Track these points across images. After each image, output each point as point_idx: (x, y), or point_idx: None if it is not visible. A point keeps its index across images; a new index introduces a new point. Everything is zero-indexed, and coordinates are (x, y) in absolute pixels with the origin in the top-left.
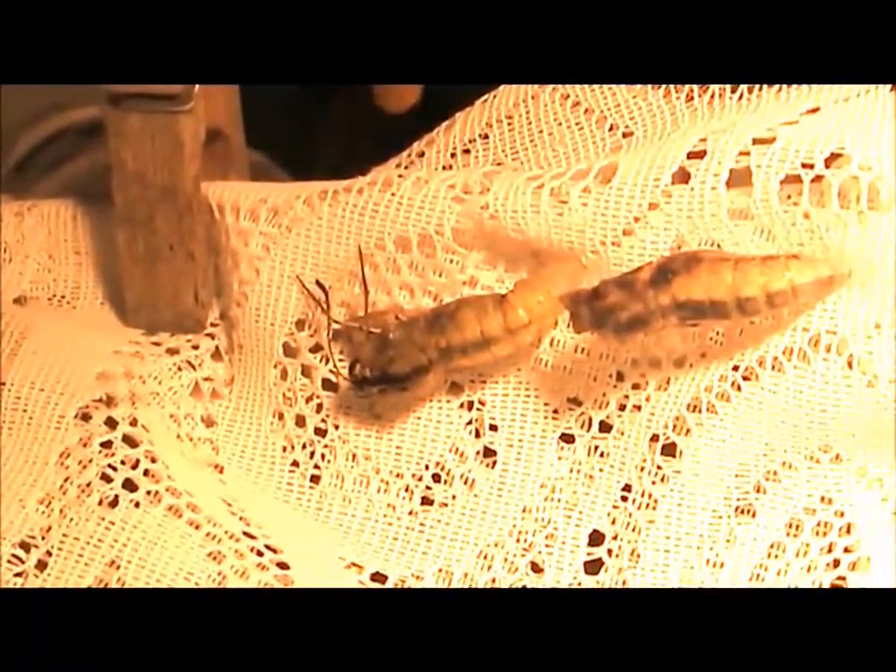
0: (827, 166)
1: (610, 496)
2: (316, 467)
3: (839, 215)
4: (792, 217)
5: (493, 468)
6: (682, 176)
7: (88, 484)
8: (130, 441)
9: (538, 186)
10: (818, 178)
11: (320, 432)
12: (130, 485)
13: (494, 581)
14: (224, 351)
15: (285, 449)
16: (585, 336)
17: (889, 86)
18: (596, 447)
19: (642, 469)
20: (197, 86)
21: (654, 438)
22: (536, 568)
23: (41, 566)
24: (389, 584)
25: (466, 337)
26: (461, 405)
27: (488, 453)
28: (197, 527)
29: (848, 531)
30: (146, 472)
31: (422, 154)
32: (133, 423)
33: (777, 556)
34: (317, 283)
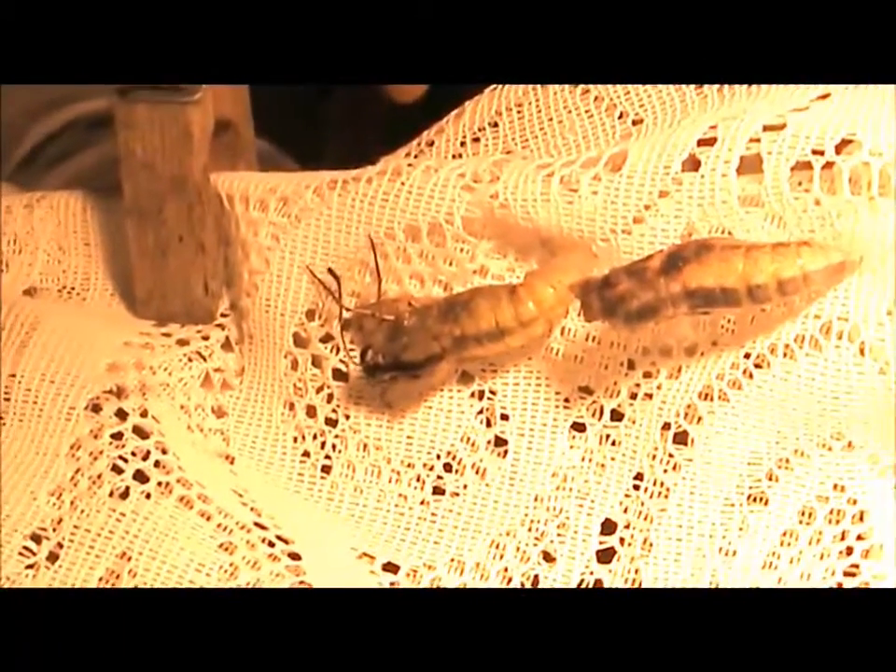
0: (838, 153)
1: (622, 484)
2: (327, 457)
3: (850, 201)
4: (803, 203)
5: (504, 457)
6: (693, 164)
7: (99, 476)
8: (140, 432)
9: (548, 174)
10: (828, 165)
11: (331, 422)
12: (141, 477)
13: (506, 570)
14: (234, 341)
15: (295, 439)
16: (596, 325)
17: None
18: (608, 436)
19: (654, 457)
20: None
21: (666, 426)
22: (548, 558)
23: (52, 557)
24: (401, 574)
25: (480, 327)
26: (472, 394)
27: (499, 442)
28: (208, 518)
29: (861, 519)
30: (156, 463)
31: (431, 143)
32: (144, 414)
33: (789, 544)
34: (329, 271)
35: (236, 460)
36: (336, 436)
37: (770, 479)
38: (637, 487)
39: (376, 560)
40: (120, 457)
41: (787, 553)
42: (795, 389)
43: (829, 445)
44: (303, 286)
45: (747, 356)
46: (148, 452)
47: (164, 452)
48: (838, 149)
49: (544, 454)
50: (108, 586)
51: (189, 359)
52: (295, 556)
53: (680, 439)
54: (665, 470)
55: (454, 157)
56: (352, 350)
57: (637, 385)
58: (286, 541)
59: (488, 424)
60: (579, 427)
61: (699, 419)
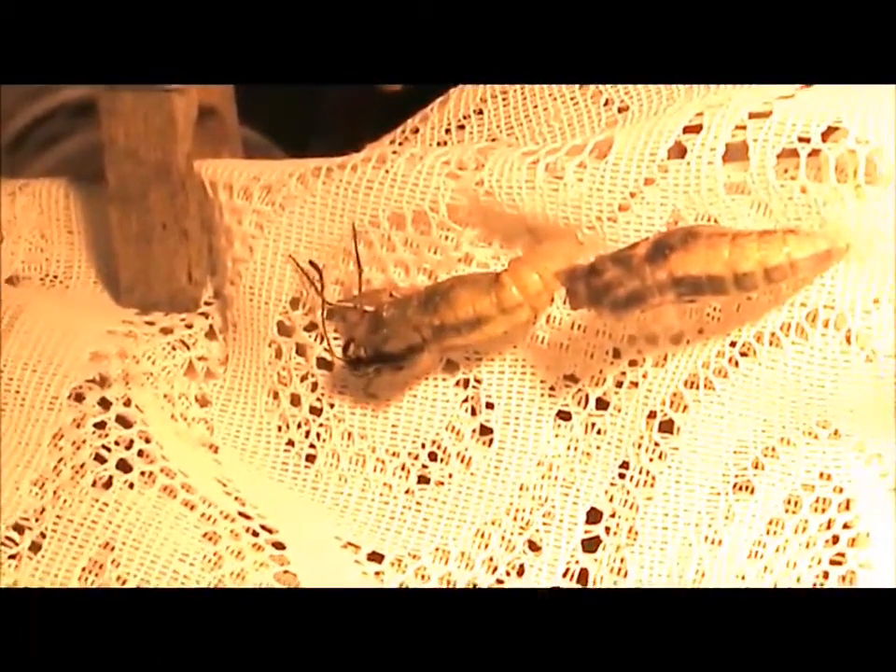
0: (824, 140)
1: (608, 473)
2: (312, 446)
3: (836, 189)
4: (789, 191)
5: (489, 446)
6: (679, 151)
7: (81, 465)
8: (123, 421)
9: (533, 161)
10: (815, 152)
11: (315, 411)
12: (124, 466)
13: (491, 559)
14: (218, 330)
15: (280, 428)
16: (582, 313)
17: None
18: (593, 424)
19: (640, 446)
20: None
21: (652, 415)
22: (533, 547)
23: (35, 548)
24: (386, 563)
25: (459, 316)
26: (457, 383)
27: (485, 431)
28: (192, 508)
29: (847, 507)
30: (140, 453)
31: (416, 130)
32: (127, 403)
33: (775, 533)
34: (311, 263)
35: (220, 449)
36: (320, 425)
37: (756, 467)
38: (622, 476)
39: (361, 549)
40: (103, 447)
41: (773, 542)
42: (781, 377)
43: (815, 433)
44: (287, 274)
45: (733, 344)
46: (132, 441)
47: (147, 441)
48: (824, 137)
49: (529, 442)
50: (91, 576)
51: (173, 348)
52: (279, 545)
53: (666, 427)
54: (651, 459)
55: (438, 144)
56: (336, 340)
57: (623, 373)
58: (270, 530)
59: (473, 412)
60: (564, 416)
61: (685, 407)
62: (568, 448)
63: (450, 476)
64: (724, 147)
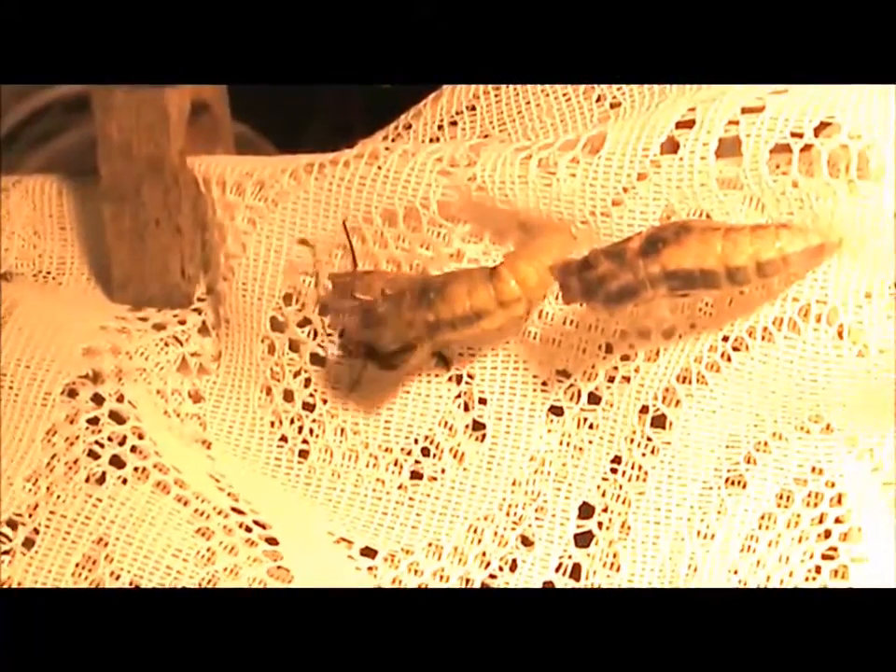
0: (816, 135)
1: (600, 468)
2: (305, 442)
3: (829, 183)
4: (782, 186)
5: (482, 441)
6: (671, 146)
7: (75, 461)
8: (117, 417)
9: (525, 157)
10: (807, 147)
11: (308, 407)
12: (117, 462)
13: (484, 554)
14: (211, 326)
15: (273, 424)
16: (574, 307)
17: None
18: (586, 419)
19: (632, 440)
20: None
21: (644, 409)
22: (526, 542)
23: (28, 543)
24: (379, 559)
25: (455, 311)
26: (450, 379)
27: (477, 426)
28: (185, 504)
29: (839, 501)
30: (133, 449)
31: (409, 126)
32: (120, 399)
33: (768, 527)
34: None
35: (213, 445)
36: (313, 420)
37: (748, 462)
38: (614, 471)
39: (354, 544)
40: (97, 442)
41: (765, 536)
42: (773, 372)
43: (807, 428)
44: (280, 270)
45: (725, 338)
46: (125, 437)
47: (141, 437)
48: (817, 132)
49: (522, 437)
50: (85, 572)
51: (166, 344)
52: (272, 541)
53: (658, 422)
54: (643, 454)
55: (431, 140)
56: (330, 336)
57: (615, 368)
58: (263, 526)
59: (466, 408)
60: (556, 411)
61: (677, 402)
62: (561, 443)
63: (443, 471)
64: (717, 142)
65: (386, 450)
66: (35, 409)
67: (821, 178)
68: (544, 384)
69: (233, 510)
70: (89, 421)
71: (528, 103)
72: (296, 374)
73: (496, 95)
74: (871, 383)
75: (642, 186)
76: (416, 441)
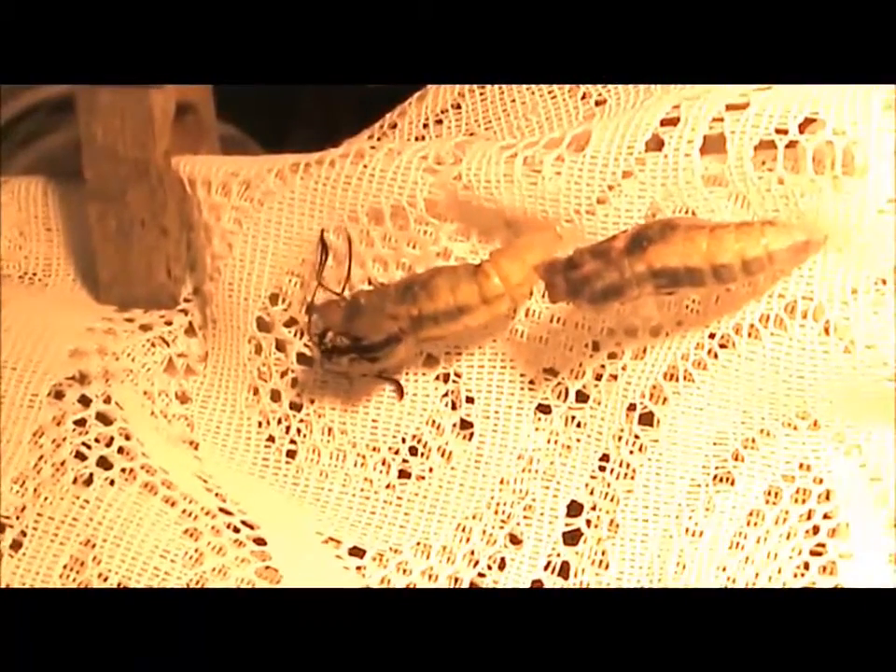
0: (801, 131)
1: (588, 466)
2: (292, 441)
3: (814, 180)
4: (767, 183)
5: (470, 440)
6: (656, 144)
7: (62, 463)
8: (104, 418)
9: (511, 155)
10: (792, 144)
11: (295, 407)
12: (104, 463)
13: (472, 553)
14: (198, 326)
15: (260, 424)
16: (561, 306)
17: None
18: (573, 417)
19: (620, 438)
20: None
21: (631, 407)
22: (514, 540)
23: (16, 545)
24: (367, 558)
25: (438, 306)
26: (437, 377)
27: (465, 425)
28: (173, 504)
29: (827, 498)
30: (120, 450)
31: (394, 125)
32: (107, 400)
33: (756, 524)
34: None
35: (200, 446)
36: (301, 420)
37: (736, 459)
38: (602, 468)
39: (342, 544)
40: (84, 444)
41: (753, 533)
42: (760, 369)
43: (794, 424)
44: (266, 270)
45: (711, 336)
46: (112, 438)
47: (128, 438)
48: (802, 128)
49: (510, 436)
50: (73, 573)
51: (153, 345)
52: (260, 541)
53: (646, 419)
54: (631, 451)
55: (416, 139)
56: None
57: (602, 366)
58: (251, 526)
59: (453, 407)
60: (544, 409)
61: (664, 400)
62: (549, 441)
63: (431, 470)
64: (702, 139)
65: (374, 449)
66: (21, 410)
67: (806, 175)
68: (532, 382)
69: (221, 510)
70: (76, 422)
71: (513, 101)
72: (283, 374)
73: (481, 94)
74: (857, 379)
75: (627, 184)
76: (404, 441)
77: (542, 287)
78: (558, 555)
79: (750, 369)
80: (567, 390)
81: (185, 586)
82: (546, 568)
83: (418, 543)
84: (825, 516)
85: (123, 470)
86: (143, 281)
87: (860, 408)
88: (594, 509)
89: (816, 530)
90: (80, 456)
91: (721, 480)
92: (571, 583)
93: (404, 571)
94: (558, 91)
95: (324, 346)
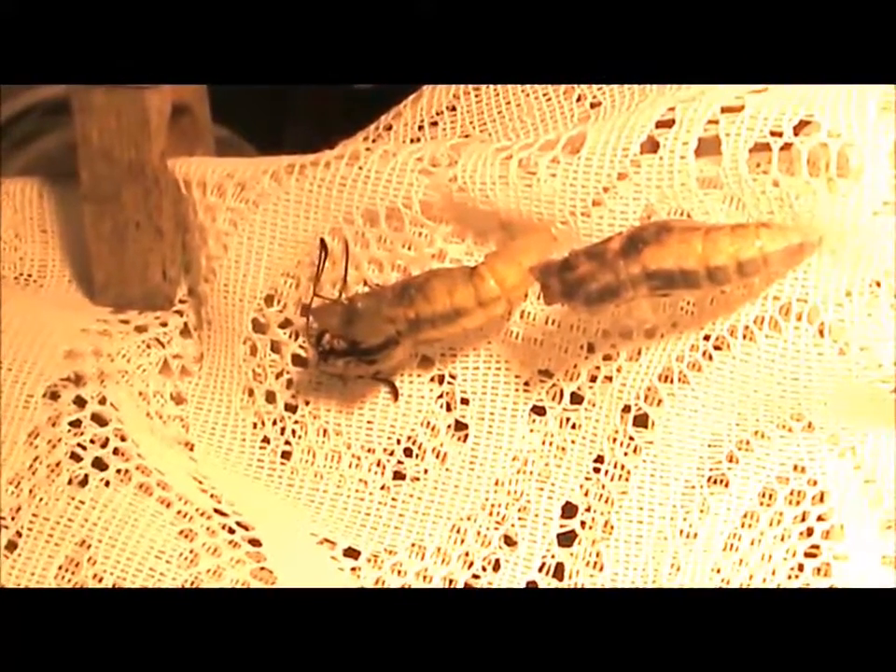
0: (796, 134)
1: (583, 467)
2: (287, 443)
3: (809, 182)
4: (762, 185)
5: (465, 441)
6: (651, 146)
7: (57, 464)
8: (99, 419)
9: (506, 157)
10: (787, 146)
11: (290, 408)
12: (99, 464)
13: (467, 554)
14: (193, 328)
15: (255, 425)
16: (556, 308)
17: None
18: (568, 419)
19: (614, 440)
20: None
21: (626, 409)
22: (509, 541)
23: (11, 546)
24: (362, 560)
25: (435, 309)
26: (432, 379)
27: (460, 426)
28: (168, 505)
29: (822, 499)
30: (115, 451)
31: (389, 127)
32: (102, 401)
33: (750, 526)
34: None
35: (196, 447)
36: (296, 422)
37: (730, 460)
38: (597, 470)
39: (337, 545)
40: (79, 445)
41: (748, 535)
42: (755, 371)
43: (789, 426)
44: (262, 271)
45: (706, 337)
46: (107, 439)
47: (123, 439)
48: (796, 131)
49: (504, 437)
50: (68, 574)
51: (148, 346)
52: (255, 542)
53: (640, 421)
54: (626, 453)
55: (412, 141)
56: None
57: (597, 367)
58: (246, 528)
59: (448, 408)
60: (539, 411)
61: (659, 401)
62: (543, 443)
63: (425, 472)
64: (697, 141)
65: (369, 451)
66: (17, 411)
67: (801, 177)
68: (526, 384)
69: (216, 511)
70: (71, 423)
71: (509, 103)
72: (278, 376)
73: (476, 95)
74: (852, 381)
75: (622, 186)
76: (399, 442)
77: (537, 288)
78: (553, 557)
79: (745, 370)
80: (561, 392)
81: (180, 587)
82: (541, 570)
83: (413, 544)
84: (819, 518)
85: (118, 471)
86: (138, 282)
87: (854, 410)
88: (588, 510)
89: (810, 532)
90: (75, 457)
91: (715, 481)
92: (566, 585)
93: (399, 572)
94: (553, 93)
95: (321, 349)
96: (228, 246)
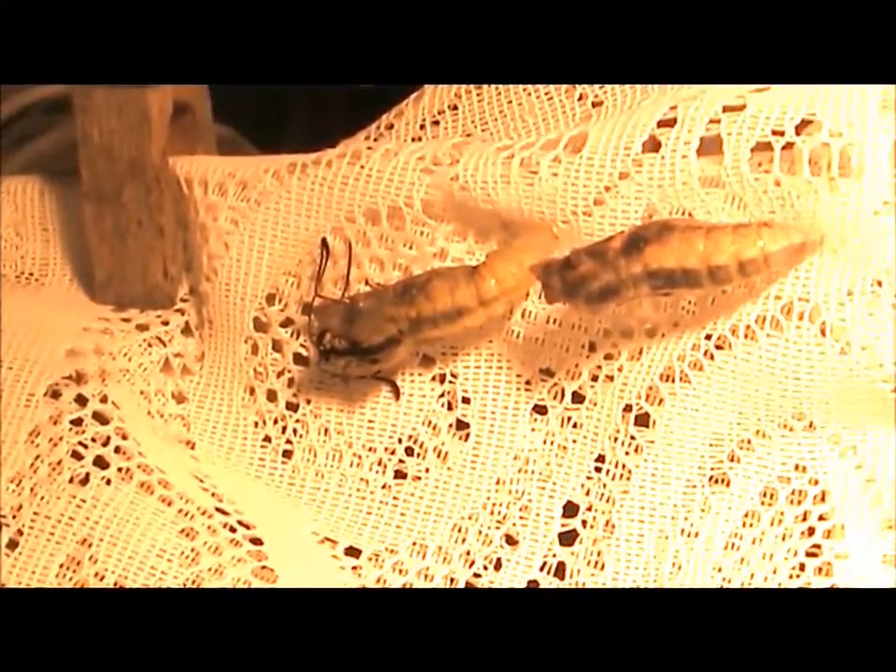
0: (798, 133)
1: (584, 467)
2: (288, 442)
3: (810, 182)
4: (763, 184)
5: (466, 440)
6: (653, 145)
7: (58, 462)
8: (100, 418)
9: (508, 156)
10: (788, 145)
11: (292, 407)
12: (101, 463)
13: (468, 553)
14: (194, 326)
15: (256, 424)
16: (557, 307)
17: None
18: (569, 418)
19: (615, 439)
20: None
21: (627, 408)
22: (510, 541)
23: (12, 545)
24: (363, 558)
25: (437, 308)
26: (433, 378)
27: (461, 425)
28: (169, 504)
29: (823, 499)
30: (117, 449)
31: (391, 126)
32: (104, 400)
33: (751, 525)
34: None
35: (197, 445)
36: (297, 420)
37: (732, 460)
38: (598, 469)
39: (338, 544)
40: (80, 443)
41: (749, 534)
42: (756, 370)
43: (790, 426)
44: (263, 270)
45: (708, 337)
46: (108, 438)
47: (124, 438)
48: (798, 130)
49: (506, 437)
50: (69, 573)
51: (149, 344)
52: (257, 541)
53: (642, 420)
54: (627, 452)
55: (413, 140)
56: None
57: (598, 366)
58: (247, 526)
59: (450, 407)
60: (540, 410)
61: (660, 401)
62: (545, 442)
63: (427, 471)
64: (699, 140)
65: (370, 449)
66: (18, 410)
67: (803, 176)
68: (528, 383)
69: (217, 510)
70: (72, 422)
71: (510, 102)
72: (279, 374)
73: (478, 95)
74: (853, 380)
75: (624, 185)
76: (400, 441)
77: (539, 287)
78: (554, 556)
79: (746, 370)
80: (563, 391)
81: (181, 586)
82: (542, 569)
83: (414, 543)
84: (821, 517)
85: (120, 470)
86: (139, 281)
87: (855, 409)
88: (589, 509)
89: (811, 531)
90: (77, 456)
91: (716, 481)
92: (567, 584)
93: (400, 571)
94: (555, 93)
95: (322, 348)
96: (229, 245)
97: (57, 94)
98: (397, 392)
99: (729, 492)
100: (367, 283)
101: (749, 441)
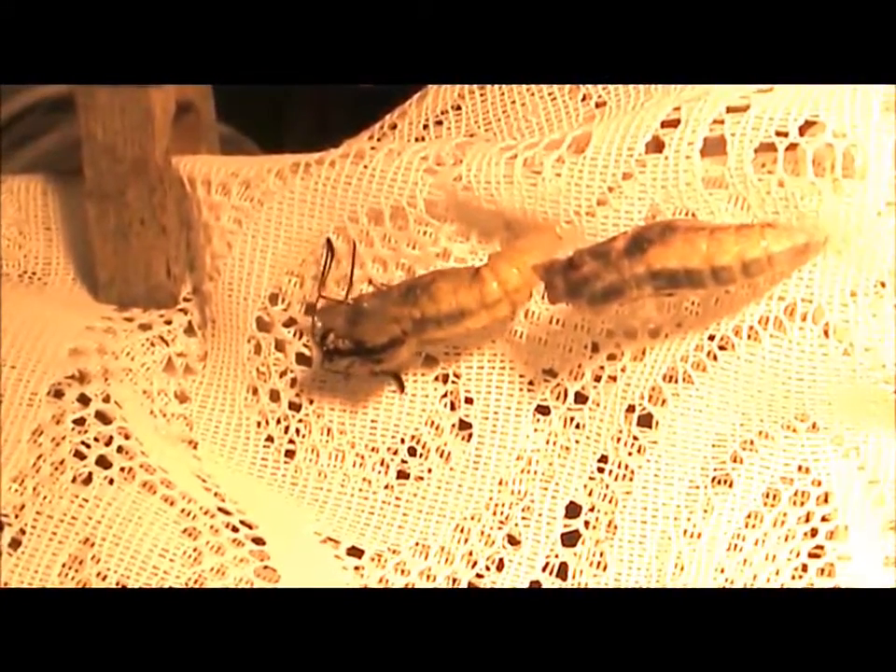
0: (801, 134)
1: (587, 467)
2: (291, 441)
3: (814, 183)
4: (767, 185)
5: (468, 441)
6: (656, 146)
7: (61, 462)
8: (103, 417)
9: (511, 156)
10: (792, 146)
11: (295, 407)
12: (103, 462)
13: (471, 554)
14: (197, 326)
15: (259, 424)
16: (560, 307)
17: None
18: (572, 419)
19: (618, 440)
20: None
21: (630, 409)
22: (513, 541)
23: (14, 544)
24: (365, 559)
25: (440, 309)
26: (436, 378)
27: (464, 426)
28: (171, 504)
29: (826, 500)
30: (119, 449)
31: (394, 126)
32: (106, 399)
33: (754, 526)
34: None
35: (199, 445)
36: (300, 420)
37: (734, 461)
38: (601, 470)
39: (340, 544)
40: (83, 443)
41: (752, 535)
42: (759, 371)
43: (793, 427)
44: (266, 270)
45: (711, 337)
46: (111, 437)
47: (127, 437)
48: (802, 131)
49: (508, 437)
50: (71, 572)
51: (152, 344)
52: (259, 541)
53: (645, 421)
54: (630, 453)
55: (416, 140)
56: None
57: (601, 367)
58: (249, 526)
59: (452, 407)
60: (543, 410)
61: (663, 401)
62: (547, 442)
63: (429, 471)
64: (702, 141)
65: (373, 450)
66: (20, 409)
67: (806, 177)
68: (531, 383)
69: (220, 510)
70: (75, 421)
71: (514, 102)
72: (282, 374)
73: (481, 95)
74: (856, 381)
75: (627, 185)
76: (403, 441)
77: (542, 288)
78: (556, 556)
79: (750, 371)
80: (566, 391)
81: (183, 585)
82: (544, 569)
83: (416, 544)
84: (823, 518)
85: (122, 469)
86: (142, 280)
87: (858, 410)
88: (592, 510)
89: (814, 532)
90: (79, 455)
91: (719, 482)
92: (569, 584)
93: (402, 572)
94: (558, 93)
95: (325, 348)
96: (232, 245)
97: (60, 93)
98: (401, 386)
99: (732, 493)
100: (370, 283)
101: (751, 442)
